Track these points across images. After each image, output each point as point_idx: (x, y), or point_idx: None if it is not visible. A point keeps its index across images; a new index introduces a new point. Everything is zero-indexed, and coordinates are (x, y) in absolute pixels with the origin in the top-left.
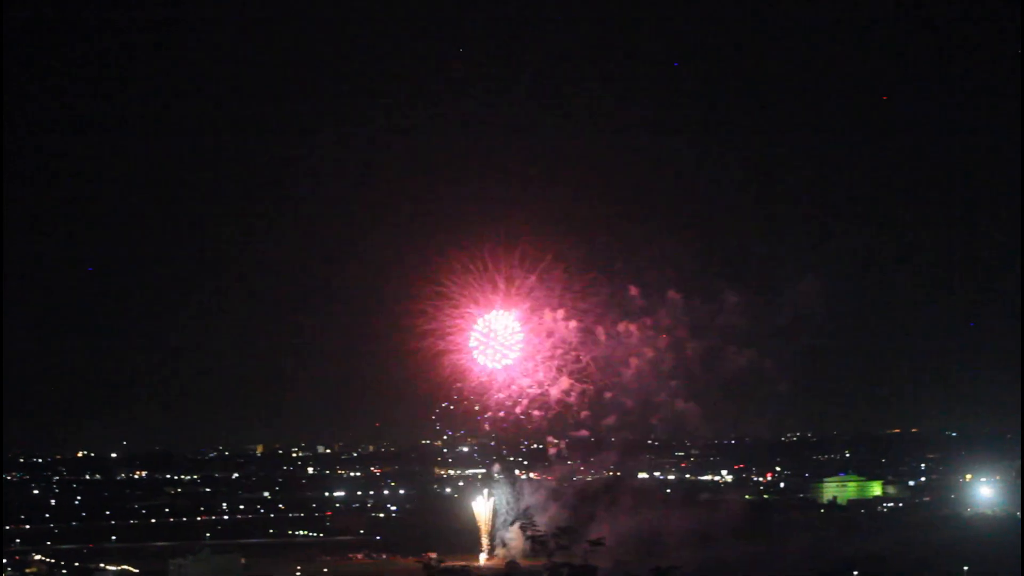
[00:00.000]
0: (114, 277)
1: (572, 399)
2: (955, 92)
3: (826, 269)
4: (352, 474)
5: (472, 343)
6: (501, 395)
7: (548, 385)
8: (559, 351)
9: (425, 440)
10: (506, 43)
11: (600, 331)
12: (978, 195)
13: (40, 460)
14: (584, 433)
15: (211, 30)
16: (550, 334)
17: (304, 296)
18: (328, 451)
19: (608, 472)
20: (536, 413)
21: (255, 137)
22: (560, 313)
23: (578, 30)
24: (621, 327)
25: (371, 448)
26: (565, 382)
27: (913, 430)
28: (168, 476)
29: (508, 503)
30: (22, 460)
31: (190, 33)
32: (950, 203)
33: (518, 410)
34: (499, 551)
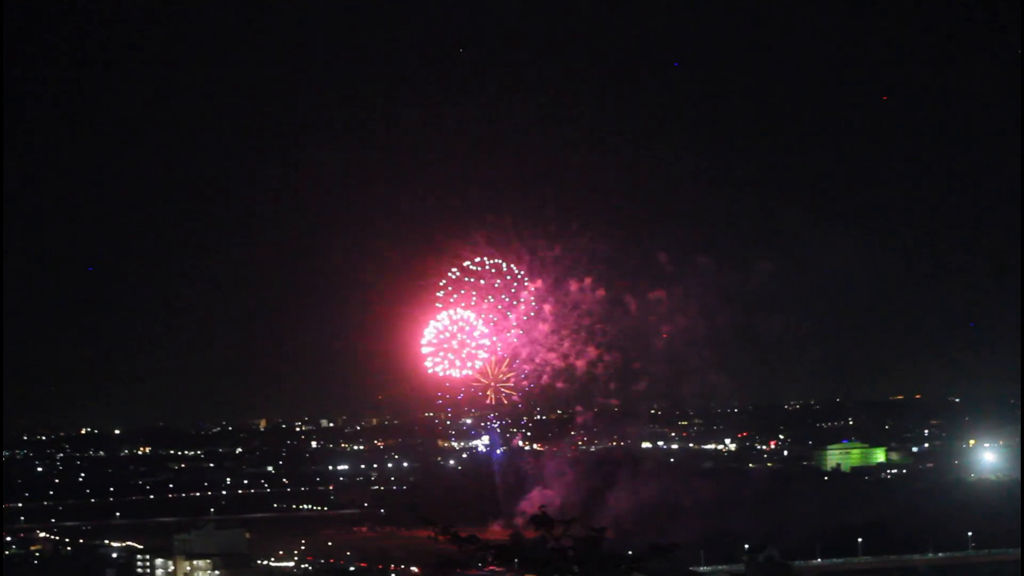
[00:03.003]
0: (117, 255)
1: (599, 370)
2: (955, 92)
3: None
4: (355, 448)
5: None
6: (515, 368)
7: (574, 358)
8: (586, 321)
9: (428, 413)
10: (509, 42)
11: (629, 300)
12: (977, 179)
13: (44, 438)
14: (613, 402)
15: (210, 30)
16: (576, 305)
17: (309, 270)
18: (331, 425)
19: (612, 443)
20: (560, 385)
21: (255, 131)
22: (587, 282)
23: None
24: (651, 295)
25: (374, 422)
26: (592, 353)
27: (916, 396)
28: (171, 452)
29: (522, 473)
30: (26, 438)
31: (188, 34)
32: (949, 191)
33: (544, 380)
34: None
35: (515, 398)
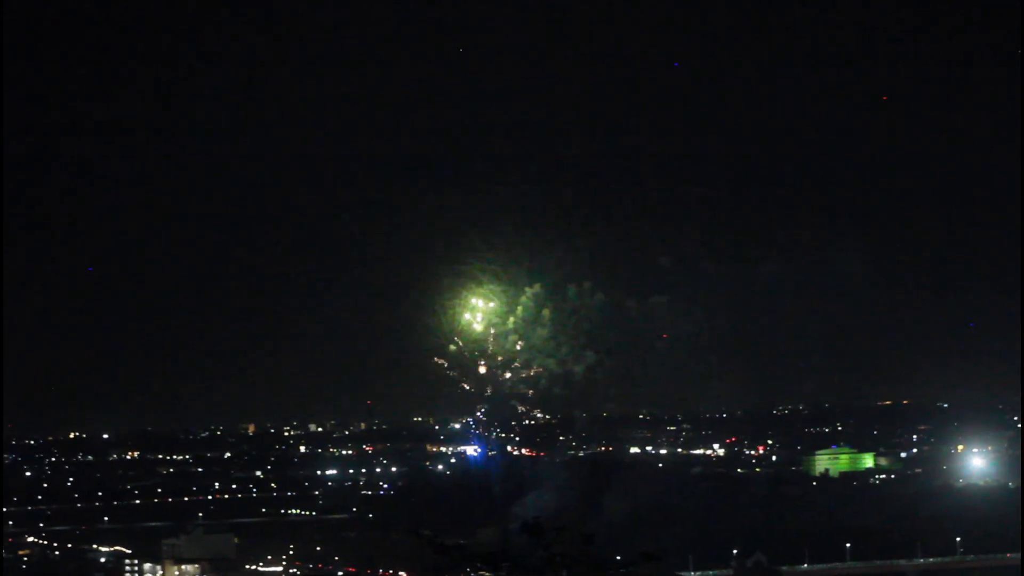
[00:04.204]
0: (111, 258)
1: (598, 375)
2: (955, 91)
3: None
4: (344, 452)
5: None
6: (510, 374)
7: (572, 363)
8: (586, 325)
9: (417, 418)
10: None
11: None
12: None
13: (32, 442)
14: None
15: (210, 29)
16: (574, 311)
17: (295, 273)
18: (320, 430)
19: (601, 448)
20: (556, 390)
21: (253, 131)
22: (587, 286)
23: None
24: (652, 300)
25: (363, 426)
26: (590, 357)
27: (904, 401)
28: (160, 456)
29: (514, 478)
30: (14, 442)
31: (189, 31)
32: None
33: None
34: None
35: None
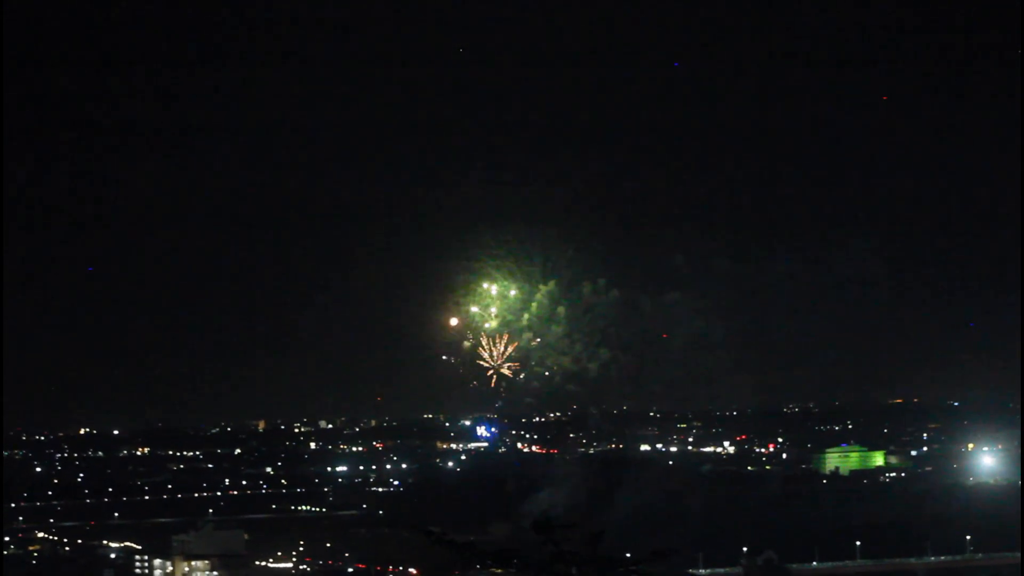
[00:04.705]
0: (117, 255)
1: (612, 372)
2: (955, 91)
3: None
4: (354, 449)
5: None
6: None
7: (587, 361)
8: (600, 322)
9: (427, 414)
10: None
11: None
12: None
13: (43, 437)
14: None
15: (210, 29)
16: (588, 308)
17: (306, 269)
18: (330, 426)
19: (611, 445)
20: (570, 388)
21: (254, 132)
22: (601, 283)
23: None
24: (667, 297)
25: (373, 423)
26: (605, 355)
27: (915, 400)
28: (170, 452)
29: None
30: (25, 437)
31: (189, 31)
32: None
33: (555, 382)
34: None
35: (515, 368)
